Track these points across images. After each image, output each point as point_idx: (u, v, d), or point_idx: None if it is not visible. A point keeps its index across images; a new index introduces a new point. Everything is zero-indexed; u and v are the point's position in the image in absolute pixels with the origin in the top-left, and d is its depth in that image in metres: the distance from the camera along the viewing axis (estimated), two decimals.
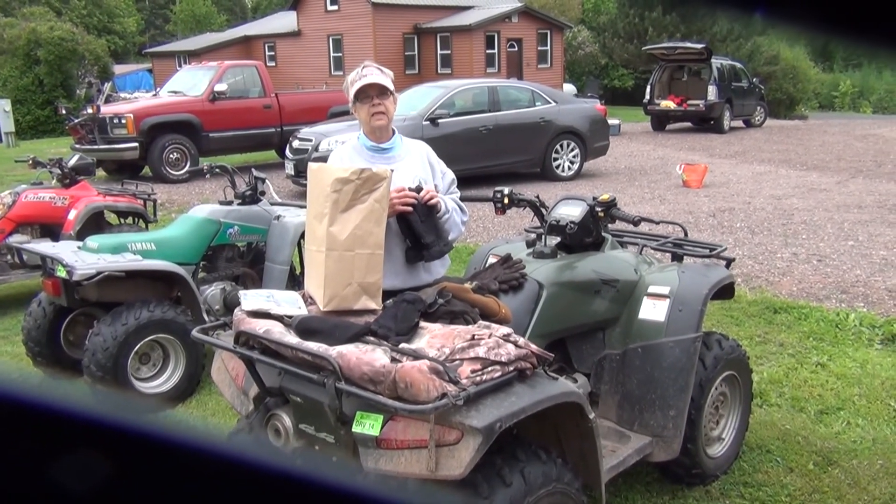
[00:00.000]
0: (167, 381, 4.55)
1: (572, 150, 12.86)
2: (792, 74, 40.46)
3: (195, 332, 2.89)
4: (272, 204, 5.37)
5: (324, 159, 11.48)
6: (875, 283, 6.35)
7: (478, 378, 2.33)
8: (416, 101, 12.24)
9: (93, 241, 4.67)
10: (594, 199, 3.41)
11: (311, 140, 11.65)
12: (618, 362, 3.39)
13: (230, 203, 5.21)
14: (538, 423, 2.64)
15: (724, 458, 3.63)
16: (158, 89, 16.00)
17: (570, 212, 3.45)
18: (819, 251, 7.45)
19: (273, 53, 34.20)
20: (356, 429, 2.37)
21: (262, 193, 5.24)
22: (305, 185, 8.87)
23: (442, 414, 2.22)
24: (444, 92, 12.28)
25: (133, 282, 4.50)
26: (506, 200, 3.56)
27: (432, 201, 3.11)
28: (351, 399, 2.38)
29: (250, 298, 2.82)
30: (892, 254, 7.24)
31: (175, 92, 14.85)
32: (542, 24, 31.76)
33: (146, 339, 4.39)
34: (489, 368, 2.37)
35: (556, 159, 12.72)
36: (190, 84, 14.85)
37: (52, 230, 6.83)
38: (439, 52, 30.73)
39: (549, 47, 32.04)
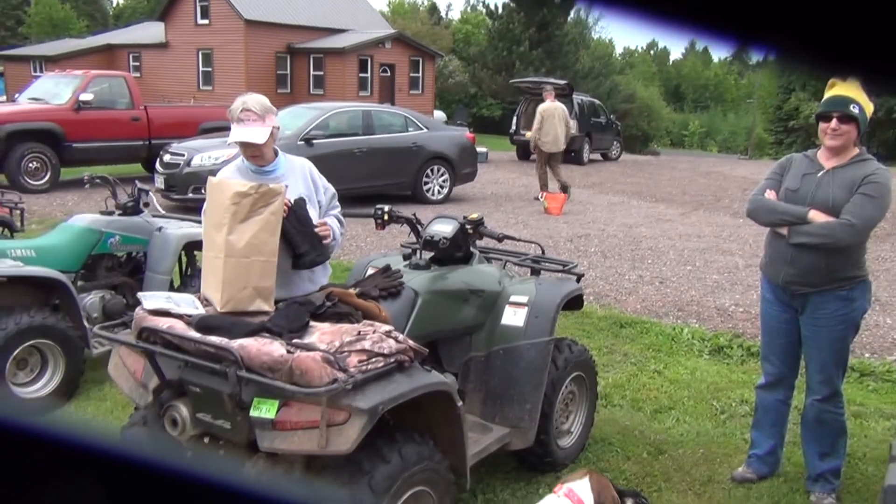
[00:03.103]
0: (45, 386, 4.60)
1: (442, 174, 13.41)
2: (647, 113, 43.09)
3: (97, 329, 3.09)
4: (154, 216, 5.50)
5: (197, 174, 11.47)
6: (707, 302, 7.15)
7: (364, 367, 2.68)
8: (292, 120, 12.44)
9: None
10: (464, 217, 3.85)
11: (183, 155, 11.62)
12: (482, 363, 3.81)
13: (111, 213, 5.30)
14: (412, 412, 3.00)
15: (573, 449, 4.13)
16: (17, 95, 15.34)
17: (443, 229, 3.86)
18: (661, 274, 8.26)
19: (138, 64, 33.15)
20: (254, 413, 2.66)
21: (146, 205, 5.37)
22: (176, 199, 8.94)
23: (333, 397, 2.56)
24: (320, 113, 12.55)
25: (12, 287, 4.53)
26: (386, 217, 3.92)
27: (326, 240, 3.42)
28: (249, 386, 2.66)
29: (151, 299, 3.05)
30: (723, 278, 8.14)
31: (36, 99, 14.31)
32: (415, 52, 32.53)
33: (25, 345, 4.44)
34: (373, 359, 2.73)
35: (426, 183, 13.22)
36: (52, 92, 14.33)
37: None
38: (312, 72, 30.86)
39: (420, 74, 32.82)
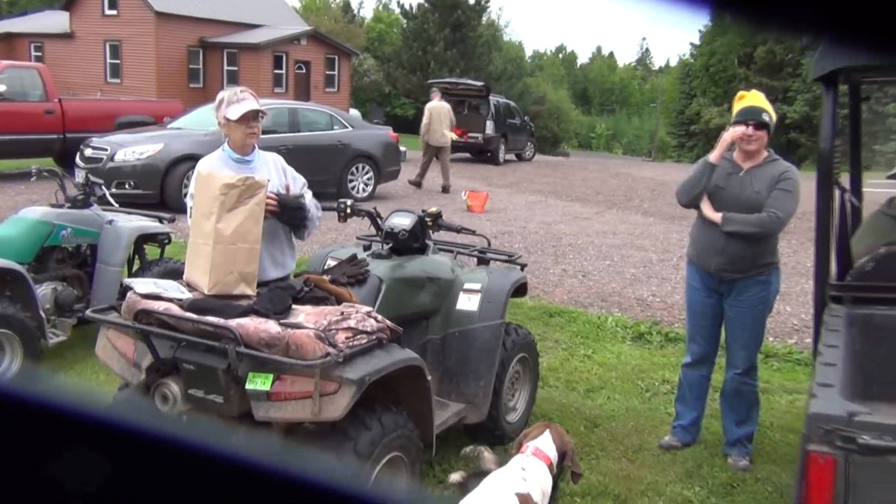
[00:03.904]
0: (2, 374, 4.66)
1: (367, 172, 13.65)
2: (556, 115, 44.18)
3: (89, 313, 3.27)
4: (104, 209, 5.59)
5: (120, 169, 11.34)
6: (627, 293, 7.69)
7: (350, 343, 2.97)
8: (214, 117, 12.45)
9: None
10: (423, 211, 4.16)
11: (106, 149, 11.46)
12: (438, 345, 4.14)
13: (62, 206, 5.37)
14: (385, 387, 3.30)
15: (518, 424, 4.49)
16: None
17: (402, 222, 4.17)
18: (583, 268, 8.78)
19: (40, 54, 31.87)
20: (249, 386, 2.91)
21: (101, 198, 5.46)
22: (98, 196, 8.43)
23: (325, 369, 2.84)
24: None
25: None
26: (348, 210, 4.20)
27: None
28: (245, 362, 2.91)
29: (140, 284, 3.25)
30: (640, 271, 8.72)
31: None
32: (331, 49, 32.51)
33: None
34: (358, 336, 3.03)
35: (351, 181, 13.42)
36: None
37: None
38: (226, 67, 30.43)
39: (336, 72, 32.82)
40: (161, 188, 11.20)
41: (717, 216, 4.06)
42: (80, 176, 12.05)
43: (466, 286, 4.20)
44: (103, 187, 5.57)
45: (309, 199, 3.85)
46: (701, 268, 4.26)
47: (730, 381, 4.32)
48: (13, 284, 4.81)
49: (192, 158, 11.45)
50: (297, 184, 3.91)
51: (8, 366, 4.71)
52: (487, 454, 3.27)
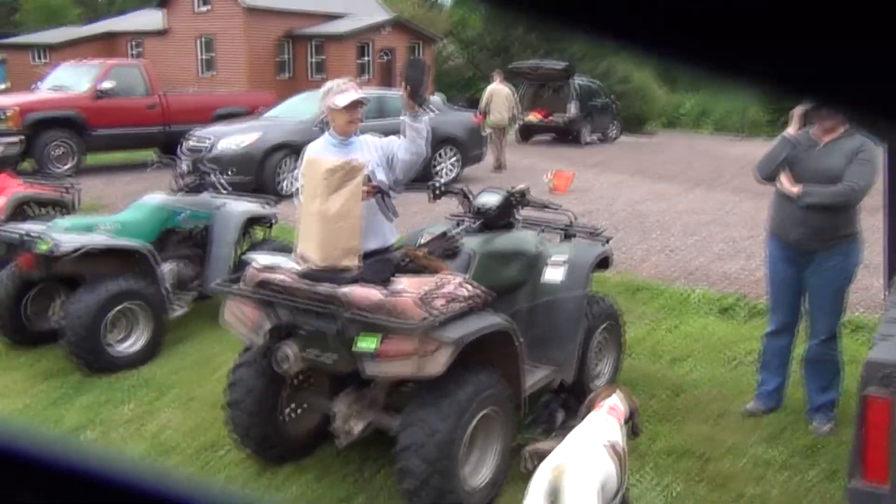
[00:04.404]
0: (134, 344, 5.19)
1: (452, 157, 13.96)
2: (641, 94, 43.46)
3: (215, 284, 3.68)
4: (215, 195, 6.08)
5: (220, 158, 11.98)
6: (713, 268, 7.76)
7: (447, 308, 3.28)
8: (307, 106, 12.99)
9: (62, 221, 5.24)
10: (511, 188, 4.43)
11: (208, 140, 12.14)
12: (526, 314, 4.40)
13: (178, 192, 5.87)
14: (479, 349, 3.59)
15: None
16: (37, 84, 15.80)
17: (491, 199, 4.44)
18: (669, 245, 8.86)
19: (139, 51, 33.45)
20: (358, 347, 3.25)
21: (212, 185, 5.95)
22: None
23: (425, 331, 3.15)
24: None
25: (105, 257, 5.11)
26: (439, 191, 4.50)
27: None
28: (355, 325, 3.25)
29: (261, 258, 3.64)
30: (727, 247, 8.74)
31: (57, 88, 14.79)
32: (413, 36, 32.93)
33: (118, 307, 5.02)
34: (454, 302, 3.33)
35: (436, 165, 13.76)
36: (72, 80, 14.83)
37: None
38: (312, 58, 31.27)
39: (419, 57, 33.23)
40: (258, 174, 11.79)
41: (795, 189, 4.18)
42: (184, 165, 12.82)
43: (552, 259, 4.44)
44: (215, 174, 6.04)
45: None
46: (781, 240, 4.39)
47: (812, 349, 4.44)
48: (140, 263, 5.32)
49: (287, 146, 12.04)
50: (391, 144, 4.20)
51: (138, 336, 5.22)
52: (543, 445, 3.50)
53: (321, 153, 4.00)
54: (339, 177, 3.63)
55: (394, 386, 3.84)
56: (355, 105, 3.99)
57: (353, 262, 3.69)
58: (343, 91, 3.97)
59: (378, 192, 3.97)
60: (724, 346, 5.69)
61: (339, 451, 4.02)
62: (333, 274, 3.51)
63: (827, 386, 4.42)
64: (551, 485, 2.49)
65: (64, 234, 4.93)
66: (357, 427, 3.73)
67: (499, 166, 15.78)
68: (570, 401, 4.33)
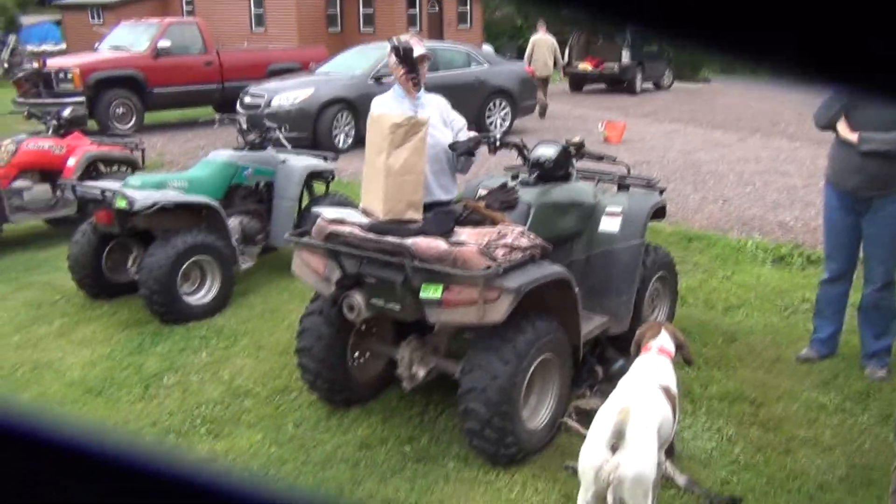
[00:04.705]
0: (206, 295, 5.47)
1: (503, 108, 13.96)
2: None
3: (288, 236, 3.88)
4: (277, 151, 6.28)
5: (276, 114, 12.20)
6: (768, 218, 7.74)
7: (508, 258, 3.42)
8: (360, 61, 13.11)
9: (134, 179, 5.49)
10: (567, 141, 4.51)
11: (263, 96, 12.35)
12: (583, 264, 4.52)
13: (243, 149, 6.08)
14: (537, 297, 3.73)
15: None
16: (97, 44, 16.17)
17: (547, 151, 4.53)
18: (723, 195, 8.83)
19: (191, 8, 33.72)
20: (423, 295, 3.42)
21: (276, 141, 6.15)
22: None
23: (487, 279, 3.30)
24: (386, 53, 13.10)
25: (177, 213, 5.36)
26: (497, 143, 4.61)
27: None
28: (420, 274, 3.42)
29: (328, 212, 3.81)
30: (783, 196, 8.68)
31: (116, 47, 15.13)
32: None
33: (191, 260, 5.28)
34: (514, 252, 3.47)
35: (488, 117, 13.78)
36: (131, 40, 15.13)
37: (50, 176, 7.50)
38: (362, 11, 31.17)
39: (468, 8, 32.89)
40: (314, 130, 11.98)
41: (853, 136, 4.19)
42: (241, 121, 13.07)
43: (608, 209, 4.53)
44: (278, 131, 6.22)
45: (468, 136, 4.31)
46: (839, 187, 4.40)
47: (868, 296, 4.47)
48: (210, 218, 5.57)
49: (341, 101, 12.20)
50: (456, 124, 4.36)
51: (209, 287, 5.49)
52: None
53: (388, 107, 4.15)
54: (404, 131, 3.77)
55: (454, 333, 4.02)
56: (421, 60, 4.12)
57: (416, 214, 3.85)
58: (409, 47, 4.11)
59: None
60: (779, 295, 5.74)
61: (403, 396, 4.24)
62: (398, 226, 3.67)
63: (882, 332, 4.47)
64: (616, 426, 2.62)
65: (138, 191, 5.18)
66: (421, 372, 3.92)
67: (543, 114, 16.04)
68: (608, 349, 4.45)
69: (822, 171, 9.52)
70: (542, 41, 16.32)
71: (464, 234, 3.65)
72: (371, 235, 3.57)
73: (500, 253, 3.42)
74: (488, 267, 3.31)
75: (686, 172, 10.19)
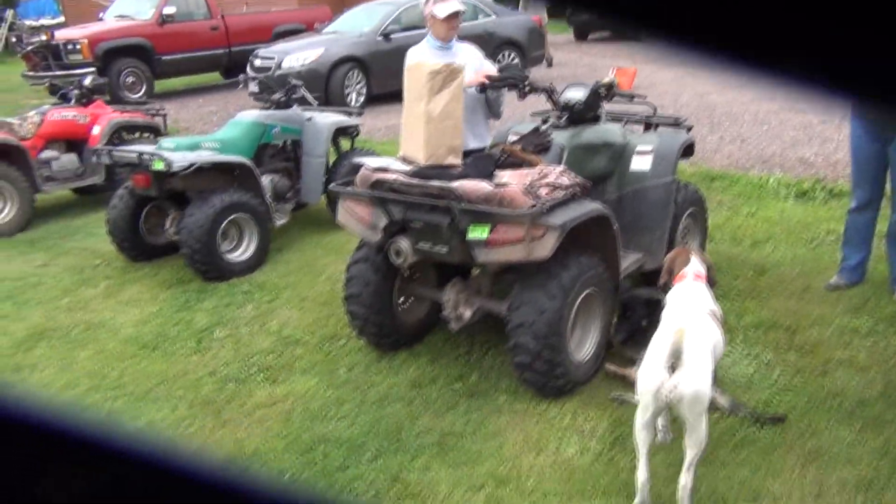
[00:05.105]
0: (244, 252, 5.60)
1: (513, 59, 13.91)
2: None
3: (334, 186, 4.00)
4: (303, 109, 6.36)
5: (287, 76, 12.17)
6: (788, 154, 7.80)
7: (552, 195, 3.53)
8: (367, 18, 13.07)
9: (167, 142, 5.60)
10: (597, 82, 4.58)
11: (273, 58, 12.36)
12: (616, 203, 4.62)
13: (269, 108, 6.17)
14: (579, 234, 3.84)
15: None
16: (101, 14, 16.11)
17: (577, 94, 4.61)
18: (741, 134, 8.87)
19: None
20: (471, 236, 3.54)
21: (302, 98, 6.23)
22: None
23: (533, 217, 3.41)
24: (393, 9, 13.06)
25: (211, 173, 5.47)
26: (526, 88, 4.68)
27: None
28: (467, 216, 3.53)
29: (371, 161, 3.92)
30: (801, 133, 8.71)
31: (122, 16, 15.08)
32: None
33: (229, 218, 5.40)
34: (556, 190, 3.57)
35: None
36: (135, 8, 15.07)
37: (75, 145, 7.61)
38: None
39: None
40: (325, 90, 12.01)
41: None
42: (252, 85, 13.09)
43: (639, 148, 4.62)
44: (302, 88, 6.29)
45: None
46: (864, 117, 4.47)
47: (895, 223, 4.57)
48: (243, 177, 5.68)
49: (351, 60, 12.20)
50: (483, 70, 4.46)
51: (247, 245, 5.62)
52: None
53: (423, 57, 4.24)
54: (442, 78, 3.86)
55: (496, 274, 4.15)
56: (455, 16, 4.22)
57: (456, 159, 3.96)
58: (439, 1, 4.19)
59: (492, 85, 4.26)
60: (804, 228, 5.84)
61: (448, 338, 4.39)
62: (440, 171, 3.78)
63: None
64: (673, 347, 2.75)
65: (174, 154, 5.28)
66: (467, 312, 4.06)
67: (550, 63, 16.01)
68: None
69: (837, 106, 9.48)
70: None
71: (505, 175, 3.76)
72: (416, 181, 3.68)
73: (543, 192, 3.52)
74: (533, 205, 3.42)
75: (701, 115, 10.21)
